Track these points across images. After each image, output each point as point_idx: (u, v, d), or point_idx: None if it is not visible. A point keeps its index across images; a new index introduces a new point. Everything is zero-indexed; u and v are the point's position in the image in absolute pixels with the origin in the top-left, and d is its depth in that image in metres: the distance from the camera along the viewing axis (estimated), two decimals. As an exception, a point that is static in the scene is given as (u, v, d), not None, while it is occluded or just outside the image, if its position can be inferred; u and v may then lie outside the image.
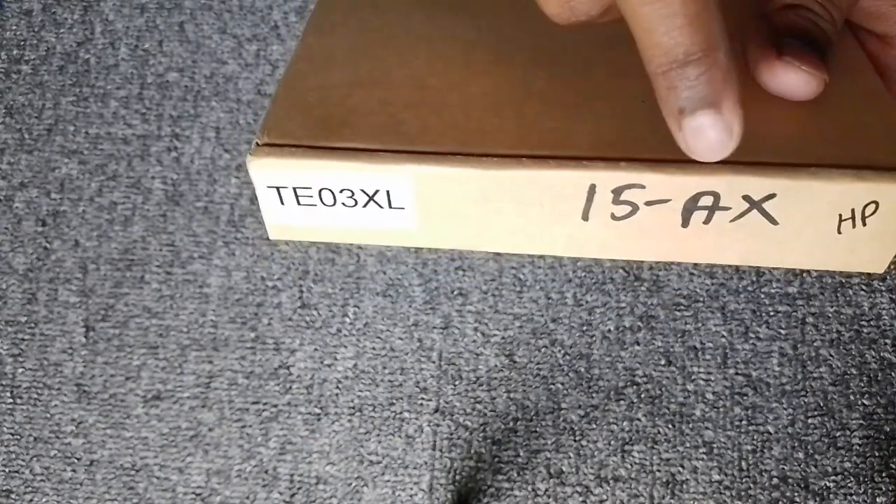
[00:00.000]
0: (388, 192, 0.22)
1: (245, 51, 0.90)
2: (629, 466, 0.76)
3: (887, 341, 0.78)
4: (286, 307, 0.81)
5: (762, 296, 0.80)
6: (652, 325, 0.79)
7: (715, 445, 0.77)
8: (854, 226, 0.21)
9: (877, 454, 0.76)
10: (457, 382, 0.79)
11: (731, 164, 0.20)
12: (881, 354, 0.78)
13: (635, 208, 0.21)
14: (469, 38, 0.25)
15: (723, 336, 0.79)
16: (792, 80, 0.22)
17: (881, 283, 0.80)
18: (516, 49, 0.25)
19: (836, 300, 0.79)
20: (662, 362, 0.78)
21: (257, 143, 0.22)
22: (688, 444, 0.77)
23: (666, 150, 0.20)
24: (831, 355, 0.78)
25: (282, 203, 0.22)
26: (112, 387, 0.80)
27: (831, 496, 0.75)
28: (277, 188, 0.22)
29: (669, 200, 0.21)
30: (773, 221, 0.21)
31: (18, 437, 0.80)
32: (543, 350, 0.79)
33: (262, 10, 0.92)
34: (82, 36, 0.92)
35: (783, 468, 0.76)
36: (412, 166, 0.21)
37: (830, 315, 0.79)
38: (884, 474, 0.76)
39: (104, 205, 0.85)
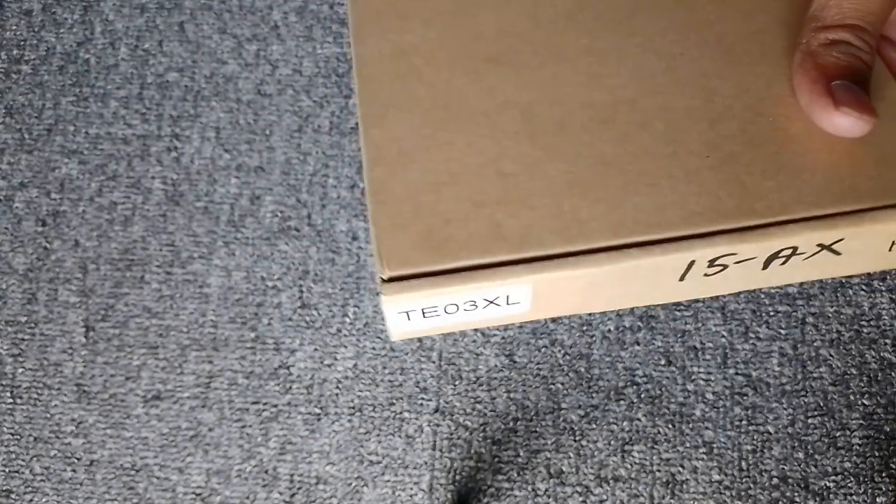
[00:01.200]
0: (507, 296, 0.24)
1: (245, 51, 0.90)
2: (629, 466, 0.76)
3: (887, 341, 0.78)
4: (286, 307, 0.81)
5: (762, 296, 0.80)
6: (652, 325, 0.79)
7: (715, 445, 0.77)
8: None
9: (877, 454, 0.76)
10: (457, 382, 0.79)
11: (808, 220, 0.24)
12: (881, 354, 0.78)
13: (725, 268, 0.24)
14: (521, 102, 0.26)
15: (723, 336, 0.79)
16: (847, 126, 0.24)
17: (881, 283, 0.80)
18: (571, 107, 0.26)
19: (836, 300, 0.79)
20: (662, 362, 0.78)
21: (382, 279, 0.23)
22: (688, 444, 0.77)
23: (748, 213, 0.24)
24: (831, 355, 0.78)
25: (408, 320, 0.24)
26: (112, 387, 0.80)
27: (831, 496, 0.75)
28: (406, 312, 0.24)
29: (755, 258, 0.24)
30: (836, 254, 0.25)
31: (18, 437, 0.80)
32: (543, 350, 0.79)
33: (262, 10, 0.92)
34: (82, 36, 0.92)
35: (783, 468, 0.76)
36: (529, 276, 0.23)
37: (830, 315, 0.79)
38: (884, 474, 0.76)
39: (104, 205, 0.85)
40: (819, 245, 0.24)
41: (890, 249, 0.25)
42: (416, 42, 0.27)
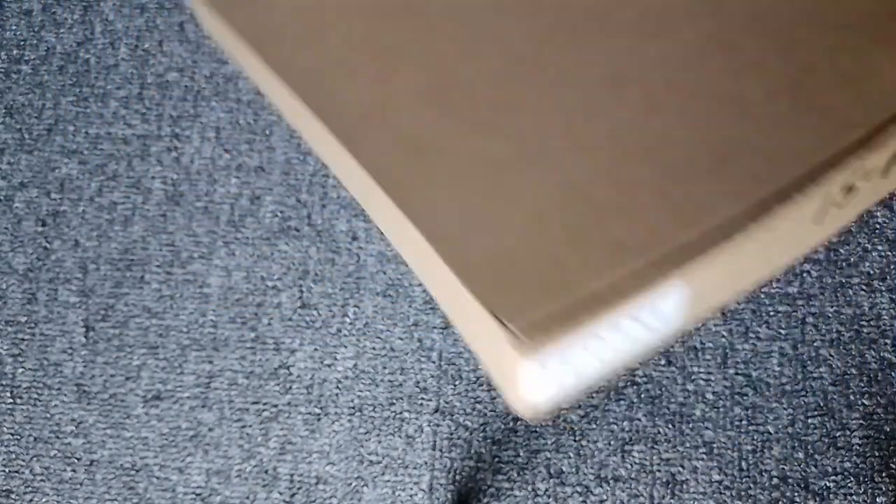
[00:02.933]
0: (655, 305, 0.21)
1: (245, 51, 0.90)
2: (629, 466, 0.76)
3: (887, 341, 0.78)
4: (286, 307, 0.81)
5: (762, 296, 0.80)
6: (652, 325, 0.79)
7: (715, 445, 0.77)
8: None
9: (877, 454, 0.76)
10: (457, 382, 0.79)
11: None
12: (881, 354, 0.78)
13: (855, 189, 0.23)
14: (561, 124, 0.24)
15: (723, 336, 0.79)
16: None
17: (881, 283, 0.80)
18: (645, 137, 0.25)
19: (836, 300, 0.79)
20: (662, 362, 0.78)
21: (524, 342, 0.20)
22: (688, 444, 0.77)
23: (862, 117, 0.22)
24: (831, 355, 0.78)
25: (552, 380, 0.21)
26: (112, 387, 0.80)
27: (831, 496, 0.75)
28: (552, 370, 0.21)
29: (881, 165, 0.23)
30: None
31: (18, 437, 0.80)
32: (543, 350, 0.79)
33: (262, 10, 0.92)
34: (82, 36, 0.92)
35: (783, 468, 0.76)
36: (682, 270, 0.21)
37: (830, 315, 0.79)
38: (884, 474, 0.76)
39: (104, 205, 0.85)
40: None
41: None
42: None
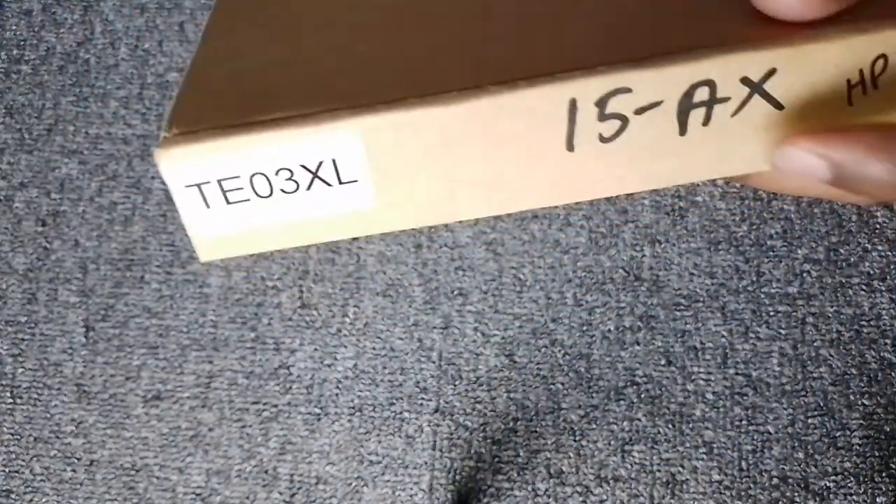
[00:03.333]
0: (333, 161, 0.19)
1: (245, 51, 0.90)
2: (629, 466, 0.76)
3: (887, 341, 0.78)
4: (286, 307, 0.82)
5: (762, 296, 0.80)
6: (652, 325, 0.79)
7: (715, 445, 0.77)
8: (865, 91, 0.19)
9: (877, 454, 0.76)
10: (457, 382, 0.79)
11: (724, 45, 0.19)
12: (881, 354, 0.78)
13: (625, 122, 0.19)
14: (393, 5, 0.23)
15: (723, 336, 0.79)
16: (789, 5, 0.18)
17: (881, 283, 0.80)
18: (441, 7, 0.22)
19: (836, 300, 0.79)
20: (662, 362, 0.78)
21: (165, 137, 0.19)
22: (688, 444, 0.77)
23: (646, 46, 0.19)
24: (831, 355, 0.78)
25: (207, 206, 0.19)
26: (112, 387, 0.80)
27: (831, 496, 0.75)
28: (199, 185, 0.19)
29: (661, 102, 0.19)
30: (777, 106, 0.19)
31: (18, 437, 0.80)
32: (543, 350, 0.79)
33: (262, 10, 0.92)
34: (82, 36, 0.92)
35: (783, 468, 0.76)
36: (359, 119, 0.18)
37: (830, 315, 0.79)
38: (884, 474, 0.76)
39: (104, 205, 0.85)
40: (745, 83, 0.18)
41: (850, 102, 0.19)
42: None
